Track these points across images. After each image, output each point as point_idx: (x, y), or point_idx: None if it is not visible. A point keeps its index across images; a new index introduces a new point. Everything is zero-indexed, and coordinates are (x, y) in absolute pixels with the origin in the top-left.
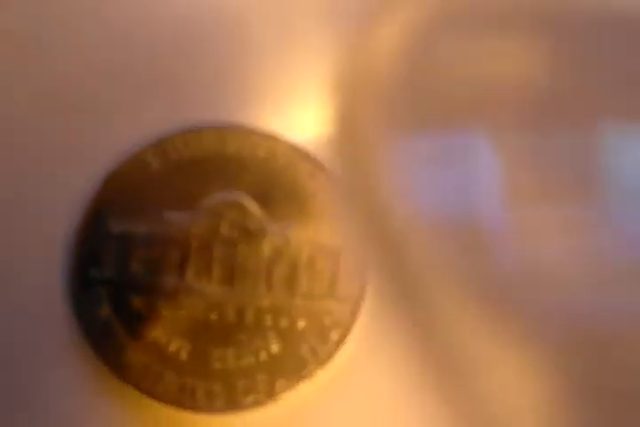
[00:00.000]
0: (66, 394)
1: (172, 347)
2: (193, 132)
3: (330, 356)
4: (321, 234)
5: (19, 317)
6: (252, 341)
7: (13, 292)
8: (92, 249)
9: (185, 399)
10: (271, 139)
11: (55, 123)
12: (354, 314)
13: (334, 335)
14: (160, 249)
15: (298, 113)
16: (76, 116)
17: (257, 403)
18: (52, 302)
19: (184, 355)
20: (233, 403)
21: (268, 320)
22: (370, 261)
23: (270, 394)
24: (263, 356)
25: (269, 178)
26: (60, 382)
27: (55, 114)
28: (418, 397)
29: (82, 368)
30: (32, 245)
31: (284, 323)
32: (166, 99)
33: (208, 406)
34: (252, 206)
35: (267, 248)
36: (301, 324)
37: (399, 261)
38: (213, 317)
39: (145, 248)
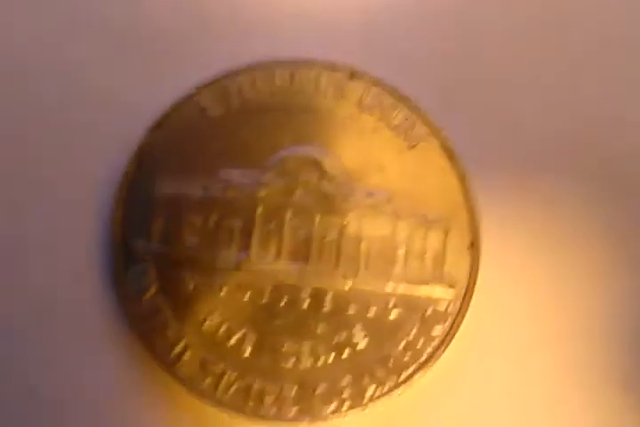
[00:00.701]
0: (107, 388)
1: (234, 339)
2: (261, 69)
3: (432, 355)
4: (423, 202)
5: (51, 297)
6: (332, 334)
7: (43, 268)
8: (136, 216)
9: (249, 405)
10: (361, 80)
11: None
12: (463, 303)
13: (437, 329)
14: (218, 217)
15: (393, 49)
16: (118, 50)
17: (339, 413)
18: (89, 280)
19: (247, 349)
20: (309, 412)
21: (353, 308)
22: (485, 237)
23: (356, 402)
24: (347, 353)
25: (356, 129)
26: (101, 375)
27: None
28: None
29: (124, 358)
30: (64, 213)
31: (373, 312)
32: (228, 30)
33: (278, 414)
34: (333, 165)
35: (352, 217)
36: (396, 314)
37: (519, 235)
38: (284, 302)
39: (200, 215)
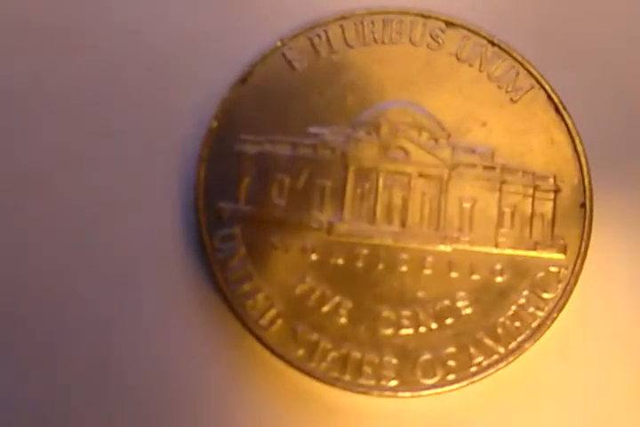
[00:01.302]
0: (192, 354)
1: (327, 306)
2: (350, 19)
3: (544, 321)
4: (529, 158)
5: (135, 261)
6: (434, 299)
7: (126, 231)
8: (220, 176)
9: (346, 376)
10: (459, 28)
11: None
12: (575, 266)
13: (549, 296)
14: (307, 176)
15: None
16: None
17: (442, 385)
18: (173, 243)
19: (343, 316)
20: (411, 383)
21: (457, 272)
22: (597, 196)
23: (461, 374)
24: (450, 320)
25: (454, 81)
26: (186, 340)
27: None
28: None
29: (211, 324)
30: (145, 172)
31: (478, 275)
32: None
33: (377, 386)
34: (431, 120)
35: (452, 175)
36: (503, 277)
37: (634, 193)
38: (381, 266)
39: (289, 175)
